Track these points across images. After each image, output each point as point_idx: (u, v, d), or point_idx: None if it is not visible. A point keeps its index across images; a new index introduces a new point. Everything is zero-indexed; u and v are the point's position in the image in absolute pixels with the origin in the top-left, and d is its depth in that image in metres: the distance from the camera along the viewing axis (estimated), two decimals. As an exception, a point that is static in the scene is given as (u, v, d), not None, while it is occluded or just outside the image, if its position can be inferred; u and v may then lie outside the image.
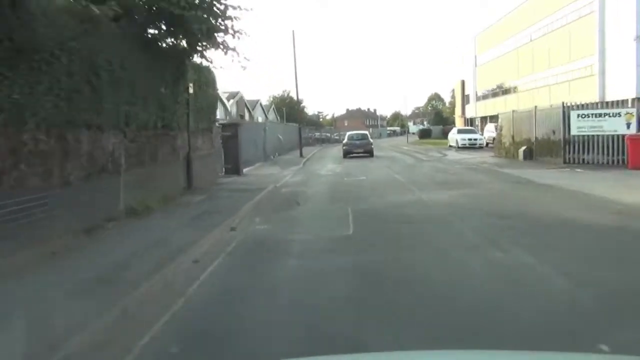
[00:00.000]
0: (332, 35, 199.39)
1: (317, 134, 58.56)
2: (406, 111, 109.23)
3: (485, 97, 57.68)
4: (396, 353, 2.77)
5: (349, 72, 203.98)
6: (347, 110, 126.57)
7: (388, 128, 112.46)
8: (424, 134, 62.55)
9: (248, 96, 69.35)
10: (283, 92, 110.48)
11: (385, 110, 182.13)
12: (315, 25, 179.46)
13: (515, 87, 48.45)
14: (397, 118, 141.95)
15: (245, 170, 19.16)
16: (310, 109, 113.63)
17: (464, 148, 31.93)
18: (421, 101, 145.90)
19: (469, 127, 40.42)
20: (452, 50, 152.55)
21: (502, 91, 51.95)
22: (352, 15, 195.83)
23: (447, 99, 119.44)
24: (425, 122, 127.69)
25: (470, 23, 64.49)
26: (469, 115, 64.54)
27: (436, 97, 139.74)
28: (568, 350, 3.23)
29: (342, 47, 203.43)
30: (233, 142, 17.50)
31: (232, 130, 17.68)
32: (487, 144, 32.80)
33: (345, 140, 29.42)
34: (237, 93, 62.54)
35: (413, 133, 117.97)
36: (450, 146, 35.13)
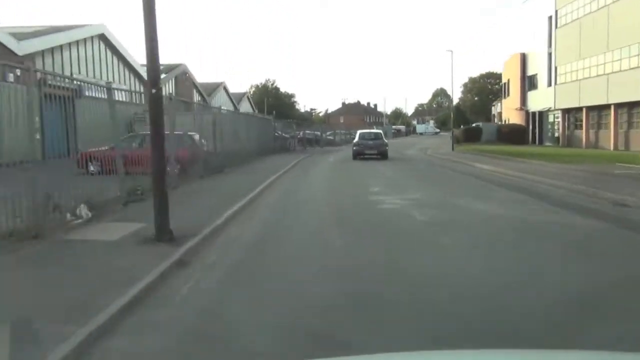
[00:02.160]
0: (329, 35, 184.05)
1: (301, 133, 35.87)
2: (407, 108, 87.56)
3: (576, 75, 35.08)
4: (398, 354, 2.38)
5: (345, 71, 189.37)
6: (344, 104, 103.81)
7: (393, 127, 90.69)
8: (471, 135, 39.99)
9: (209, 79, 47.80)
10: (266, 81, 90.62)
11: (384, 108, 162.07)
12: (313, 23, 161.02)
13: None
14: (399, 116, 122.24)
15: None
16: (308, 107, 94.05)
17: None
18: (424, 98, 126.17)
19: None
20: (450, 46, 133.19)
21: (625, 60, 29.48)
22: (349, 12, 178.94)
23: (456, 95, 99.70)
24: (431, 121, 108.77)
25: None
26: (535, 107, 42.28)
27: (442, 93, 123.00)
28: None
29: (339, 45, 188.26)
30: None
31: None
32: None
33: (356, 140, 26.16)
34: (177, 66, 39.70)
35: (421, 133, 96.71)
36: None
